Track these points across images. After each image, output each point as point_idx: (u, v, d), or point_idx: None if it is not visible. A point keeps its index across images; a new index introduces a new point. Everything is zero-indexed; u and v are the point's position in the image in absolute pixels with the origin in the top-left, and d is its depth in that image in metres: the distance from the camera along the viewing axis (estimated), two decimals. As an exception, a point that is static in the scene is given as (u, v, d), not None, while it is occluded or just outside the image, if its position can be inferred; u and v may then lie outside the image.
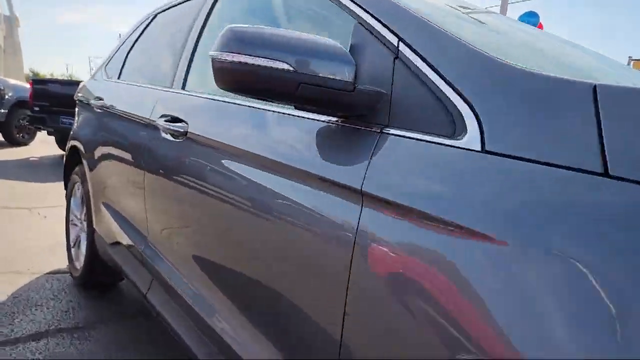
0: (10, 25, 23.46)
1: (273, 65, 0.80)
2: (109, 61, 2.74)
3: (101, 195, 2.24)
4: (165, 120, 1.52)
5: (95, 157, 2.28)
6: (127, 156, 1.86)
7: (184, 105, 1.50)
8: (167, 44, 2.00)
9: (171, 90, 1.67)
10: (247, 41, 0.82)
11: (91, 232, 2.40)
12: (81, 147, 2.52)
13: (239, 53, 0.82)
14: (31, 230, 3.74)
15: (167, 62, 1.85)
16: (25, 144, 9.35)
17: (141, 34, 2.41)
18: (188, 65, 1.65)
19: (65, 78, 27.10)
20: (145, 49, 2.32)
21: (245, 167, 1.13)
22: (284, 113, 1.06)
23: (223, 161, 1.23)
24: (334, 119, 0.92)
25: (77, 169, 2.68)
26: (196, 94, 1.50)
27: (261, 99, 0.89)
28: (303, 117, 0.98)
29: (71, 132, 2.88)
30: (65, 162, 2.95)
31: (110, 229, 2.12)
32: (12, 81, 9.47)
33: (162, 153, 1.54)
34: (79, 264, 2.65)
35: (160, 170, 1.55)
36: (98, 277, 2.54)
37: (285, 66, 0.80)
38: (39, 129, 8.16)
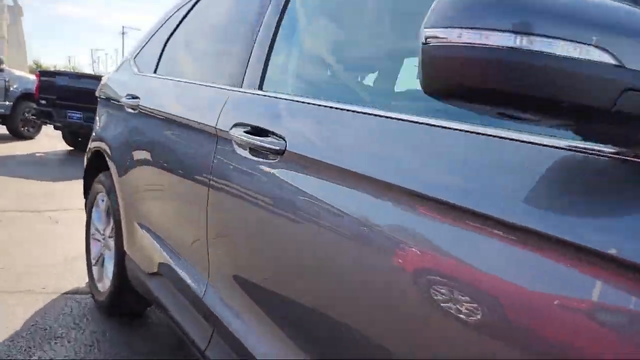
0: (14, 16, 23.12)
1: (577, 56, 0.42)
2: (138, 52, 2.36)
3: (136, 213, 1.86)
4: (245, 132, 1.14)
5: (129, 167, 1.90)
6: (179, 171, 1.49)
7: (274, 113, 1.12)
8: (225, 30, 1.62)
9: (244, 90, 1.29)
10: (509, 9, 0.44)
11: (121, 255, 2.03)
12: (108, 151, 2.14)
13: (489, 30, 0.45)
14: (43, 238, 3.38)
15: (230, 53, 1.47)
16: (31, 138, 9.02)
17: (183, 19, 2.03)
18: (266, 58, 1.27)
19: (69, 70, 26.80)
20: (190, 38, 1.93)
21: (404, 214, 0.75)
22: (496, 136, 0.67)
23: (355, 199, 0.85)
24: (602, 148, 0.54)
25: (101, 176, 2.31)
26: (295, 97, 1.10)
27: (513, 116, 0.51)
28: (557, 148, 0.59)
29: (93, 133, 2.50)
30: (85, 167, 2.58)
31: (148, 256, 1.75)
32: (18, 72, 9.12)
33: (239, 174, 1.16)
34: (103, 287, 2.28)
35: (235, 196, 1.17)
36: (127, 305, 2.17)
37: (605, 57, 0.42)
38: (45, 123, 7.79)
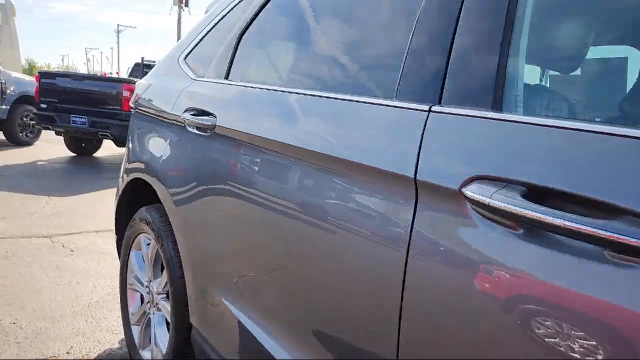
0: (5, 15, 22.34)
1: None
2: (190, 50, 1.81)
3: (214, 279, 1.32)
4: (524, 196, 0.60)
5: (203, 212, 1.35)
6: (321, 236, 0.94)
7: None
8: (376, 18, 1.07)
9: (462, 112, 0.74)
10: None
11: (184, 328, 1.49)
12: (161, 184, 1.60)
13: None
14: (60, 276, 2.82)
15: (401, 51, 0.93)
16: (29, 144, 8.45)
17: (263, 6, 1.48)
18: (501, 52, 0.73)
19: (63, 70, 26.09)
20: (290, 31, 1.39)
21: None
22: None
23: None
24: None
25: (144, 212, 1.76)
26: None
27: None
28: None
29: (129, 155, 1.96)
30: (118, 199, 2.03)
31: (239, 344, 1.21)
32: (15, 74, 8.52)
33: (500, 271, 0.62)
34: (151, 358, 1.74)
35: (487, 303, 0.64)
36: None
37: None
38: (47, 129, 7.21)
